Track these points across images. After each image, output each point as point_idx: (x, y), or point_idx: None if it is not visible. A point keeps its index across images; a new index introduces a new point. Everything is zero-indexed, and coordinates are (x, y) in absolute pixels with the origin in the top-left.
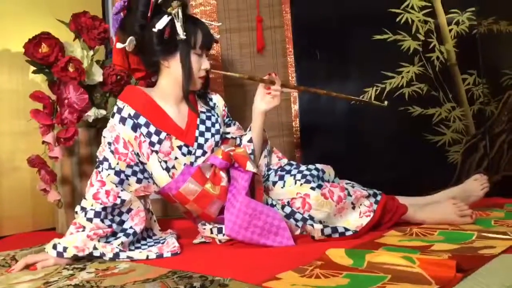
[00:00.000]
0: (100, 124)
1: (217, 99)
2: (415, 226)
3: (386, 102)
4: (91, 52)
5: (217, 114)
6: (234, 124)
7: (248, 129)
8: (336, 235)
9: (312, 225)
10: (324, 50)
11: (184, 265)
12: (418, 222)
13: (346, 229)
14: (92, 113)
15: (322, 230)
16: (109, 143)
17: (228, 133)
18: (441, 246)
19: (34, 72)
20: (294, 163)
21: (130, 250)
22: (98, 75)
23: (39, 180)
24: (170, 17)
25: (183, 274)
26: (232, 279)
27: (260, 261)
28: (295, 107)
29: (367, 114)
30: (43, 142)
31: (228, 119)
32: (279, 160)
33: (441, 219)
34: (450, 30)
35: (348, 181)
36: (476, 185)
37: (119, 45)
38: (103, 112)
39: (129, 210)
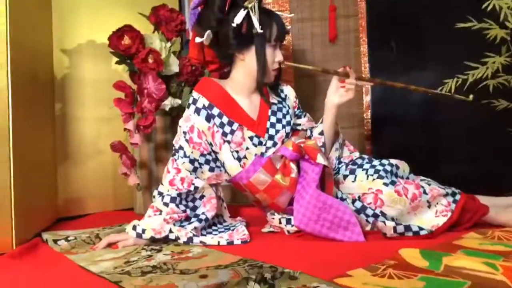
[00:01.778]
0: (175, 112)
1: (288, 91)
2: (497, 229)
3: (471, 96)
4: (169, 44)
5: (288, 105)
6: (305, 116)
7: (320, 121)
8: (410, 234)
9: (384, 222)
10: (400, 40)
11: (254, 254)
12: (501, 224)
13: (421, 228)
14: (169, 102)
15: (394, 228)
16: (184, 133)
17: (299, 124)
18: None
19: (117, 62)
20: (366, 156)
21: (202, 235)
22: (174, 66)
23: (121, 164)
24: (246, 11)
25: (253, 263)
26: (302, 272)
27: (329, 256)
28: (367, 98)
29: (444, 107)
30: (125, 129)
31: (299, 110)
32: (350, 153)
33: None
34: None
35: (424, 178)
36: None
37: (197, 40)
38: (179, 101)
39: (202, 197)
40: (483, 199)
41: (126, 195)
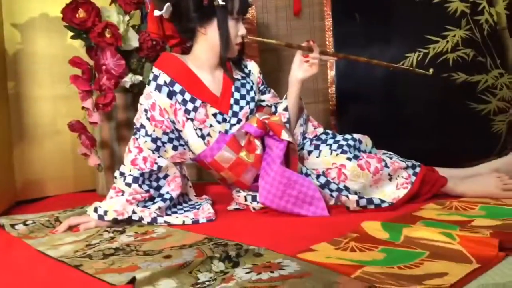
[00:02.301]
0: (136, 89)
1: (252, 66)
2: (455, 199)
3: (431, 70)
4: (127, 17)
5: (252, 81)
6: (269, 92)
7: (284, 97)
8: (372, 207)
9: (347, 196)
10: (363, 13)
11: (219, 232)
12: (458, 195)
13: (382, 201)
14: (129, 79)
15: (357, 201)
16: (146, 110)
17: (263, 100)
18: (482, 222)
19: (72, 37)
20: (330, 132)
21: (167, 214)
22: (134, 41)
23: (80, 144)
24: None
25: (218, 242)
26: (267, 249)
27: (294, 231)
28: (331, 73)
29: (407, 81)
30: (83, 108)
31: (263, 86)
32: (314, 129)
33: (482, 192)
34: None
35: (386, 152)
36: None
37: (156, 13)
38: (139, 77)
39: (165, 176)
40: (442, 171)
41: (87, 176)
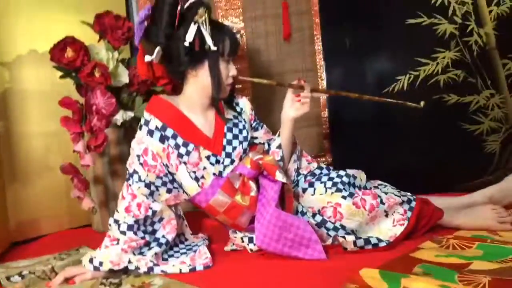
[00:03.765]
0: (128, 123)
1: (244, 103)
2: (451, 236)
3: (422, 103)
4: (116, 54)
5: (244, 120)
6: (262, 127)
7: (277, 134)
8: (369, 247)
9: (344, 237)
10: (353, 37)
11: (217, 283)
12: (454, 227)
13: (379, 240)
14: (120, 117)
15: (354, 242)
16: (138, 156)
17: (256, 137)
18: (480, 265)
19: (61, 77)
20: (324, 167)
21: (163, 259)
22: (124, 76)
23: (73, 187)
24: (197, 26)
25: None
26: None
27: (292, 281)
28: (323, 97)
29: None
30: (74, 151)
31: (255, 122)
32: (308, 164)
33: (479, 225)
34: (490, 12)
35: (381, 183)
36: None
37: (147, 58)
38: (131, 114)
39: (160, 219)
40: (437, 201)
41: (82, 212)
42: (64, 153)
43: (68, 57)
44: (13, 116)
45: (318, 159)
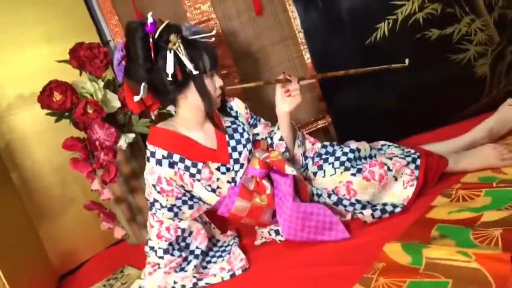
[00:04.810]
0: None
1: (237, 105)
2: (459, 186)
3: (407, 61)
4: (101, 82)
5: (241, 122)
6: (260, 122)
7: (276, 127)
8: (387, 215)
9: (361, 213)
10: None
11: (258, 282)
12: (460, 171)
13: (394, 206)
14: (123, 142)
15: (372, 215)
16: (154, 185)
17: (257, 134)
18: (490, 216)
19: (56, 120)
20: (327, 144)
21: (203, 268)
22: (115, 101)
23: (101, 220)
24: (173, 53)
25: None
26: None
27: (324, 266)
28: (307, 60)
29: (383, 51)
30: (92, 190)
31: (252, 119)
32: (312, 145)
33: (482, 165)
34: None
35: (384, 143)
36: (511, 110)
37: (136, 98)
38: (132, 135)
39: (190, 233)
40: (440, 146)
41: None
42: (80, 182)
43: (57, 100)
44: (22, 164)
45: (318, 121)
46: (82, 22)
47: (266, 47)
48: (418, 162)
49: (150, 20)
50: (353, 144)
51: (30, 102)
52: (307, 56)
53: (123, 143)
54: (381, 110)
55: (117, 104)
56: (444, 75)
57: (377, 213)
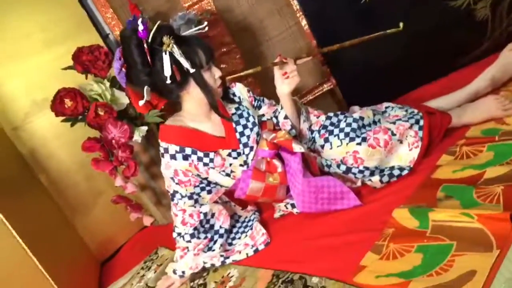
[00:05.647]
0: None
1: (240, 90)
2: (463, 142)
3: (401, 24)
4: (107, 82)
5: (246, 107)
6: (264, 102)
7: (280, 106)
8: (395, 179)
9: (370, 180)
10: None
11: (279, 260)
12: (464, 124)
13: (402, 169)
14: (138, 136)
15: (380, 180)
16: (172, 178)
17: (263, 115)
18: (492, 172)
19: (72, 125)
20: (331, 115)
21: (229, 244)
22: (123, 98)
23: (129, 212)
24: (168, 54)
25: (285, 278)
26: (328, 278)
27: (339, 235)
28: (305, 28)
29: (381, 7)
30: (116, 186)
31: (256, 101)
32: (317, 118)
33: (485, 117)
34: None
35: (387, 104)
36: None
37: (141, 103)
38: (145, 128)
39: (212, 215)
40: (442, 101)
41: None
42: (104, 175)
43: (68, 107)
44: (48, 166)
45: (324, 84)
46: (80, 21)
47: (264, 19)
48: (421, 123)
49: (141, 27)
50: (356, 113)
51: (44, 108)
52: (304, 23)
53: (137, 137)
54: (384, 64)
55: (125, 100)
56: (445, 22)
57: (385, 178)
